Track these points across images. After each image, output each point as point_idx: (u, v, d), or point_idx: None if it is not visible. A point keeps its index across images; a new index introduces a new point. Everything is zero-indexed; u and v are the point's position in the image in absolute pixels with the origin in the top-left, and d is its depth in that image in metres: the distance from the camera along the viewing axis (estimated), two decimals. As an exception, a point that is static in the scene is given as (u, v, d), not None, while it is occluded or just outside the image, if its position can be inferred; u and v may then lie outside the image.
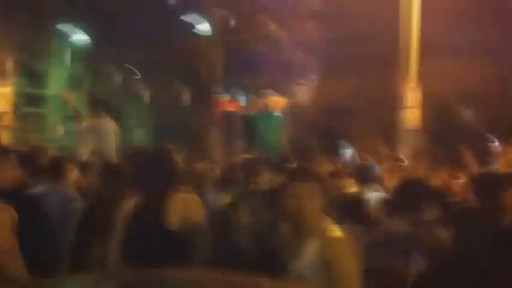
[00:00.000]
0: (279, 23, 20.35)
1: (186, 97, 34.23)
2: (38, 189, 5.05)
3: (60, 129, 22.69)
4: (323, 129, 24.91)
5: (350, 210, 2.67)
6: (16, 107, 27.36)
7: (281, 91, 25.03)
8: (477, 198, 3.86)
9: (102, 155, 5.94)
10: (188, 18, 22.65)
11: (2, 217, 3.04)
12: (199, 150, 7.28)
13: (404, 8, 14.03)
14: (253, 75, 21.75)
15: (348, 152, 6.42)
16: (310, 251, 2.64)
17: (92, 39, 26.04)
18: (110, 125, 7.17)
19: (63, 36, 25.54)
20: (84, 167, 6.16)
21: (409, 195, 3.73)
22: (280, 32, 20.26)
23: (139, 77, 32.11)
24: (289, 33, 20.03)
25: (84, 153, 6.82)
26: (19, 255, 3.08)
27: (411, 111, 13.25)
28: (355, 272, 2.64)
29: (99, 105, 7.38)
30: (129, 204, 3.49)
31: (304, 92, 21.64)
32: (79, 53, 27.63)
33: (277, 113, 16.34)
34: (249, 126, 15.44)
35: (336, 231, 2.74)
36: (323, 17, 19.33)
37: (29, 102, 27.95)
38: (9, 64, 28.31)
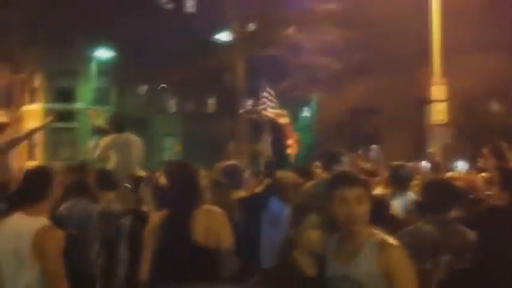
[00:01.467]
0: (300, 27, 20.34)
1: (210, 105, 34.54)
2: (65, 206, 5.03)
3: (89, 143, 22.98)
4: (350, 130, 24.86)
5: (373, 213, 2.63)
6: (51, 123, 27.91)
7: (304, 95, 25.01)
8: (504, 193, 3.79)
9: (126, 170, 6.04)
10: (209, 28, 22.81)
11: (58, 241, 3.07)
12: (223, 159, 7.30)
13: (428, 6, 13.91)
14: (276, 81, 21.78)
15: (374, 152, 6.27)
16: (367, 259, 2.58)
17: (117, 54, 26.54)
18: (133, 140, 7.25)
19: (90, 52, 26.10)
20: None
21: (434, 196, 3.70)
22: (301, 36, 20.25)
23: (165, 87, 32.56)
24: (311, 36, 20.00)
25: (109, 167, 6.92)
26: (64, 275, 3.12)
27: (438, 107, 13.11)
28: (414, 280, 2.56)
29: (123, 119, 7.48)
30: (155, 218, 3.50)
31: (329, 93, 21.61)
32: (105, 68, 28.18)
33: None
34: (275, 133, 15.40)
35: (390, 238, 2.64)
36: (346, 18, 19.28)
37: (59, 117, 28.54)
38: (38, 82, 29.06)
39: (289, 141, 7.73)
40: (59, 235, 3.10)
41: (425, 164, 7.23)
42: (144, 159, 7.72)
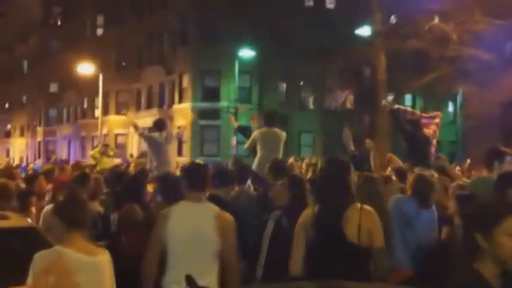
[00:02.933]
0: (445, 17, 19.32)
1: (349, 101, 34.19)
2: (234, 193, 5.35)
3: (233, 140, 24.14)
4: (500, 125, 23.12)
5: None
6: (193, 120, 29.98)
7: (449, 89, 23.74)
8: None
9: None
10: (349, 23, 22.59)
11: (232, 223, 3.63)
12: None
13: None
14: (419, 75, 20.97)
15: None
16: None
17: (259, 52, 27.36)
18: (280, 134, 7.44)
19: (233, 52, 27.24)
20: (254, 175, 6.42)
21: None
22: (447, 26, 19.21)
23: (303, 84, 32.96)
24: (458, 26, 18.88)
25: (256, 162, 7.14)
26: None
27: None
28: None
29: (274, 115, 7.74)
30: (307, 213, 3.51)
31: (477, 87, 20.31)
32: (247, 68, 29.21)
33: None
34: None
35: None
36: (496, 5, 17.93)
37: (204, 115, 30.34)
38: (186, 82, 31.00)
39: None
40: (232, 218, 3.65)
41: None
42: (283, 156, 7.89)
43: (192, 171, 3.93)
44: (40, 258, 2.89)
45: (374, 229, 3.38)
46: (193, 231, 3.55)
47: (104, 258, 3.06)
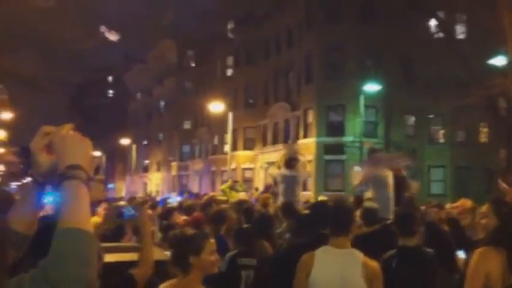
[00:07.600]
0: None
1: (484, 134, 32.19)
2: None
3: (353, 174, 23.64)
4: None
5: None
6: (318, 155, 30.07)
7: None
8: None
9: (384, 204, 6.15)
10: (481, 53, 21.55)
11: (378, 270, 3.45)
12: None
13: None
14: None
15: None
16: None
17: (385, 86, 26.92)
18: (388, 174, 7.17)
19: (358, 87, 27.12)
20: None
21: None
22: None
23: (433, 117, 31.71)
24: None
25: (368, 201, 6.95)
26: None
27: None
28: None
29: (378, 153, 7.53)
30: (492, 256, 3.24)
31: None
32: (373, 102, 28.84)
33: None
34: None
35: None
36: None
37: (329, 150, 30.32)
38: (311, 117, 31.37)
39: None
40: (378, 266, 3.48)
41: None
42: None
43: (337, 213, 3.60)
44: None
45: None
46: (340, 279, 3.41)
47: None
